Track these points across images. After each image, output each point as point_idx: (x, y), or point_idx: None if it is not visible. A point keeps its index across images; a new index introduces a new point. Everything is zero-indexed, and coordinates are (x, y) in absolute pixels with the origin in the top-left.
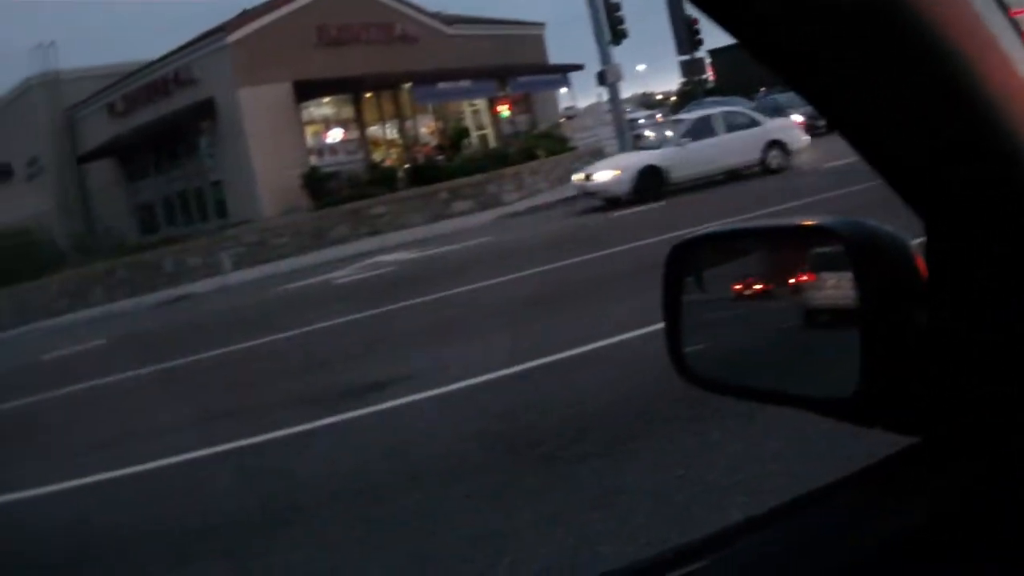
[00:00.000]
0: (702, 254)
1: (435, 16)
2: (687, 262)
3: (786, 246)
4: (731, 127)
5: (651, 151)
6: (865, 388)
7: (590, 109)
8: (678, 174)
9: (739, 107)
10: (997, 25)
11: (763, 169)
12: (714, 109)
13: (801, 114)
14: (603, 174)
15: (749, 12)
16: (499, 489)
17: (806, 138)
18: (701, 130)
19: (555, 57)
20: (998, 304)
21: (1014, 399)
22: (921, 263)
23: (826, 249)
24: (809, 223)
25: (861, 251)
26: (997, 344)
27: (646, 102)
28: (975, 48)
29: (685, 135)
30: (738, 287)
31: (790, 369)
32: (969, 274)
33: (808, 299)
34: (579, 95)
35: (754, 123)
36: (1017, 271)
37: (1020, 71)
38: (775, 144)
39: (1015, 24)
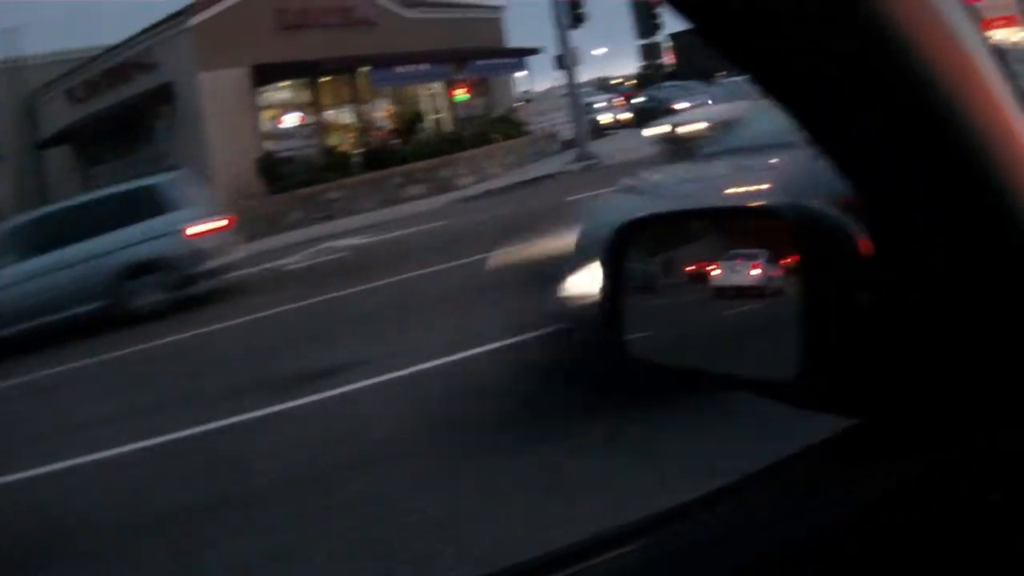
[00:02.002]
0: (646, 236)
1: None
2: (630, 244)
3: (731, 227)
4: None
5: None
6: (808, 370)
7: (547, 93)
8: None
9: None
10: (948, 10)
11: None
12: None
13: None
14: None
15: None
16: (447, 474)
17: None
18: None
19: (514, 41)
20: (939, 285)
21: (954, 379)
22: (866, 245)
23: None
24: (755, 204)
25: (805, 232)
26: (938, 325)
27: (605, 86)
28: (925, 36)
29: None
30: (688, 269)
31: (734, 352)
32: (911, 256)
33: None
34: (537, 79)
35: None
36: (958, 254)
37: (970, 57)
38: None
39: (969, 9)
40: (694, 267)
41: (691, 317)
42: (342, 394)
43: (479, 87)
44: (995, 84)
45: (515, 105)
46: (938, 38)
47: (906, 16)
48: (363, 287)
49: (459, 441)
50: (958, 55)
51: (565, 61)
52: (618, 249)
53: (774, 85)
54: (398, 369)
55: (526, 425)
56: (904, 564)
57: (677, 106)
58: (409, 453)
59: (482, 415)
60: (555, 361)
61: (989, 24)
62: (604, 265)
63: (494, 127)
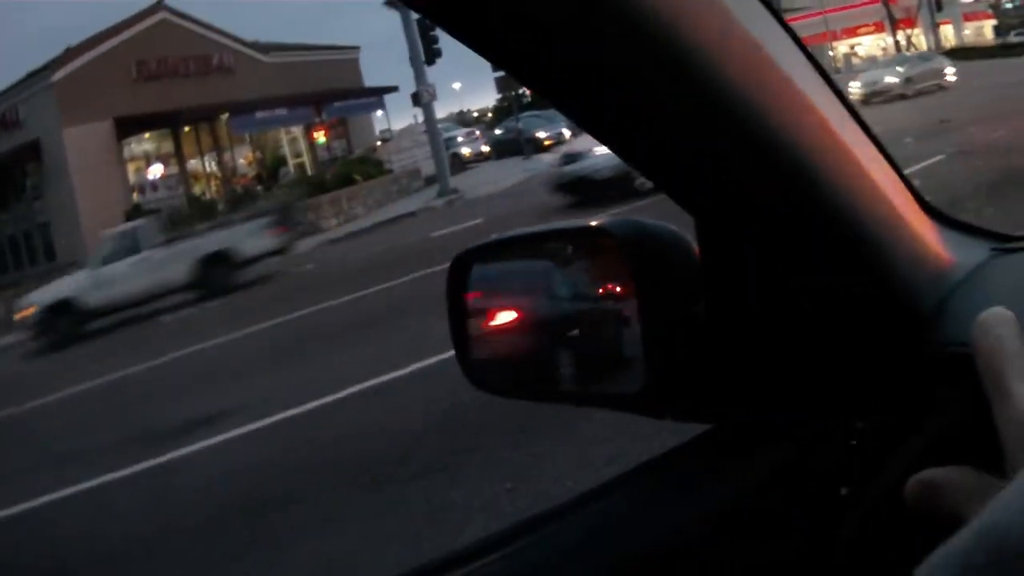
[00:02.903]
0: (487, 261)
1: (252, 45)
2: (472, 270)
3: (566, 248)
4: None
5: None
6: (652, 381)
7: (406, 131)
8: None
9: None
10: (761, 29)
11: None
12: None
13: None
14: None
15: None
16: (332, 514)
17: None
18: None
19: (371, 80)
20: (765, 294)
21: (788, 382)
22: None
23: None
24: (583, 224)
25: (635, 248)
26: (769, 331)
27: (464, 120)
28: (735, 51)
29: None
30: (530, 291)
31: (583, 369)
32: (738, 267)
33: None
34: (396, 117)
35: None
36: (782, 264)
37: (778, 67)
38: None
39: (780, 22)
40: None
41: (540, 337)
42: (223, 441)
43: (339, 128)
44: (807, 89)
45: (375, 144)
46: (741, 50)
47: (695, 22)
48: (238, 333)
49: (342, 481)
50: (767, 68)
51: (422, 97)
52: (456, 278)
53: (570, 105)
54: (277, 412)
55: (406, 459)
56: (758, 563)
57: (540, 134)
58: (294, 496)
59: (362, 453)
60: (435, 394)
61: (898, 25)
62: (447, 292)
63: (355, 168)
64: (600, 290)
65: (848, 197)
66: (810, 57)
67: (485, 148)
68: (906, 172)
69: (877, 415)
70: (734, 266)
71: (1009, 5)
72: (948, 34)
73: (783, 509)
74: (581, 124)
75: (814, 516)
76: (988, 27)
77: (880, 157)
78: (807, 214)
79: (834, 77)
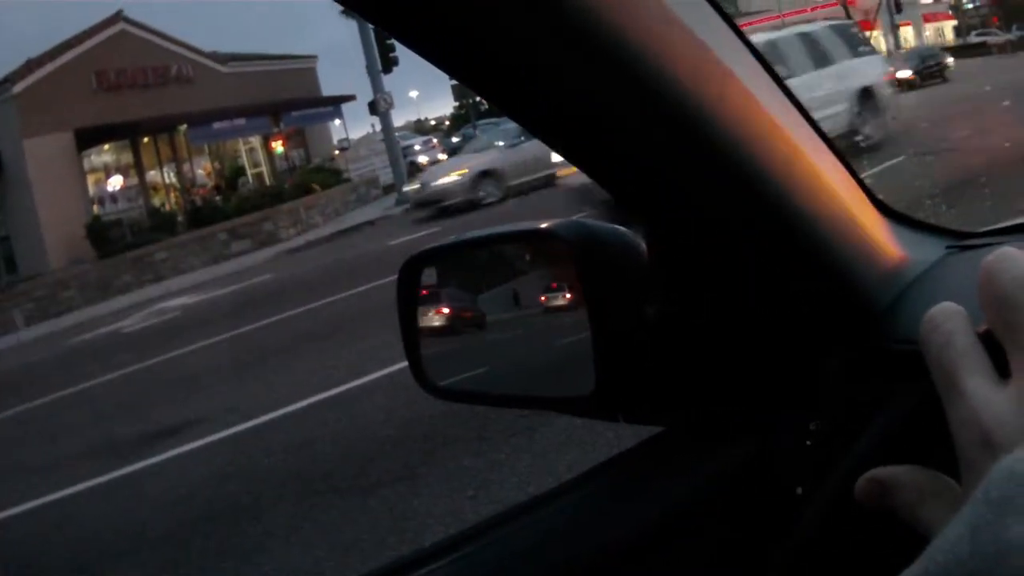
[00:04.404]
0: (437, 266)
1: (210, 55)
2: (421, 276)
3: (517, 251)
4: None
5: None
6: (603, 384)
7: (364, 140)
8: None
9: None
10: (707, 30)
11: None
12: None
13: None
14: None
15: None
16: (295, 524)
17: None
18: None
19: (329, 89)
20: (716, 295)
21: (741, 383)
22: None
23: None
24: (532, 227)
25: (583, 251)
26: (721, 332)
27: (421, 128)
28: (679, 52)
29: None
30: (482, 296)
31: (537, 373)
32: (689, 268)
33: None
34: (354, 126)
35: None
36: (733, 264)
37: (732, 74)
38: None
39: (729, 24)
40: (483, 294)
41: (491, 341)
42: (188, 451)
43: (296, 138)
44: (756, 91)
45: (334, 153)
46: (686, 50)
47: (639, 24)
48: (198, 344)
49: (305, 491)
50: (713, 70)
51: (379, 106)
52: (406, 283)
53: (517, 112)
54: (240, 423)
55: (368, 468)
56: (712, 563)
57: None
58: (258, 506)
59: (323, 462)
60: (395, 402)
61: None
62: (398, 298)
63: (314, 177)
64: (551, 293)
65: (799, 197)
66: (760, 59)
67: (442, 156)
68: (868, 172)
69: (831, 414)
70: (684, 267)
71: (969, 6)
72: (908, 36)
73: (738, 509)
74: (530, 129)
75: (768, 516)
76: (948, 28)
77: (832, 157)
78: (757, 215)
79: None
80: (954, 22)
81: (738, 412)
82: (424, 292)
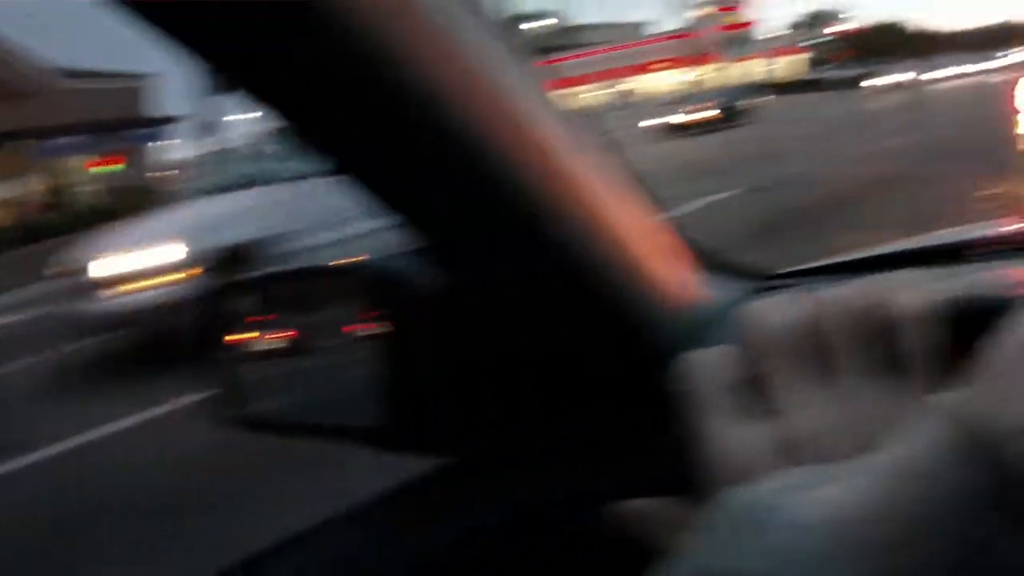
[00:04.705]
0: (239, 302)
1: (48, 70)
2: (223, 311)
3: (318, 287)
4: None
5: None
6: (393, 415)
7: (195, 158)
8: None
9: None
10: (485, 56)
11: None
12: None
13: None
14: None
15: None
16: (125, 550)
17: None
18: None
19: (164, 109)
20: (500, 331)
21: (527, 419)
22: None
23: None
24: (324, 264)
25: (374, 283)
26: (506, 368)
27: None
28: (455, 81)
29: None
30: (283, 334)
31: (328, 403)
32: (474, 303)
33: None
34: (187, 144)
35: None
36: (518, 300)
37: (515, 109)
38: None
39: (518, 55)
40: (283, 332)
41: (284, 374)
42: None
43: (132, 155)
44: (543, 125)
45: (164, 172)
46: (463, 77)
47: (407, 39)
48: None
49: (127, 516)
50: (492, 102)
51: (204, 126)
52: (212, 315)
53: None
54: (43, 449)
55: (188, 492)
56: None
57: None
58: (81, 534)
59: (144, 487)
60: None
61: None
62: (198, 334)
63: (143, 197)
64: (358, 323)
65: (589, 238)
66: (541, 87)
67: None
68: (685, 209)
69: (611, 449)
70: (470, 302)
71: (820, 40)
72: (755, 69)
73: (518, 543)
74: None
75: (542, 551)
76: (801, 61)
77: (631, 196)
78: (542, 254)
79: (624, 112)
80: (808, 55)
81: (524, 446)
82: (229, 327)
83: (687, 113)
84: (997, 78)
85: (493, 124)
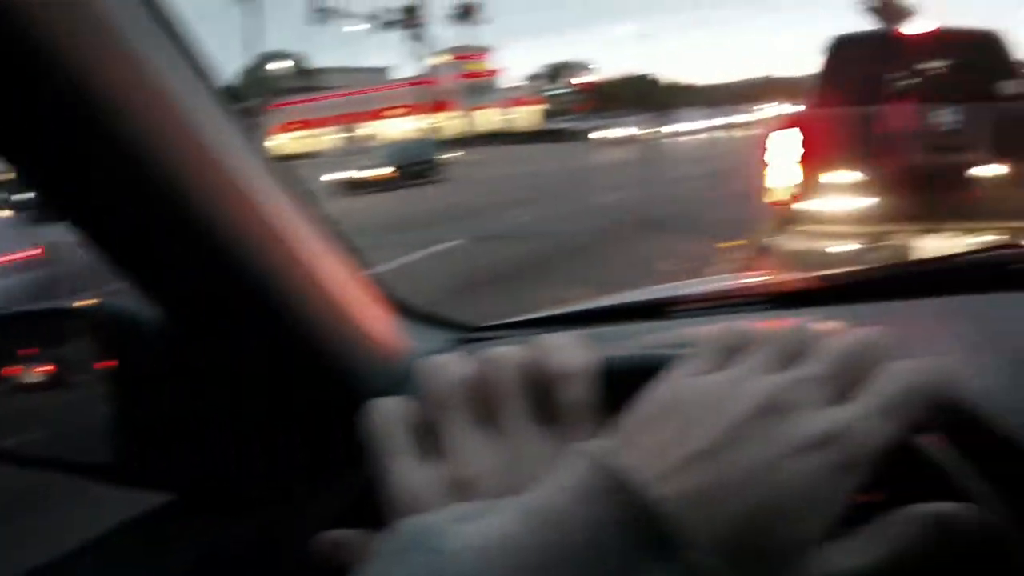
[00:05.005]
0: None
1: None
2: None
3: (65, 327)
4: None
5: None
6: (121, 453)
7: None
8: None
9: None
10: (190, 105)
11: None
12: None
13: None
14: None
15: None
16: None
17: None
18: None
19: None
20: (219, 375)
21: (248, 460)
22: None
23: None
24: (52, 306)
25: (103, 326)
26: (225, 410)
27: None
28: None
29: None
30: (43, 368)
31: (62, 438)
32: (197, 349)
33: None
34: None
35: None
36: (234, 348)
37: (218, 157)
38: None
39: (220, 104)
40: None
41: (20, 409)
42: None
43: None
44: (245, 176)
45: None
46: (161, 117)
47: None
48: None
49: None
50: (191, 144)
51: None
52: None
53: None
54: None
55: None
56: None
57: None
58: None
59: None
60: None
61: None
62: None
63: None
64: (93, 362)
65: (293, 289)
66: (250, 140)
67: None
68: (404, 260)
69: (316, 485)
70: (192, 348)
71: (558, 92)
72: (490, 118)
73: (236, 572)
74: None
75: None
76: (538, 112)
77: (333, 248)
78: (250, 304)
79: (350, 157)
80: (544, 106)
81: (246, 487)
82: None
83: (361, 170)
84: (740, 132)
85: (204, 182)
